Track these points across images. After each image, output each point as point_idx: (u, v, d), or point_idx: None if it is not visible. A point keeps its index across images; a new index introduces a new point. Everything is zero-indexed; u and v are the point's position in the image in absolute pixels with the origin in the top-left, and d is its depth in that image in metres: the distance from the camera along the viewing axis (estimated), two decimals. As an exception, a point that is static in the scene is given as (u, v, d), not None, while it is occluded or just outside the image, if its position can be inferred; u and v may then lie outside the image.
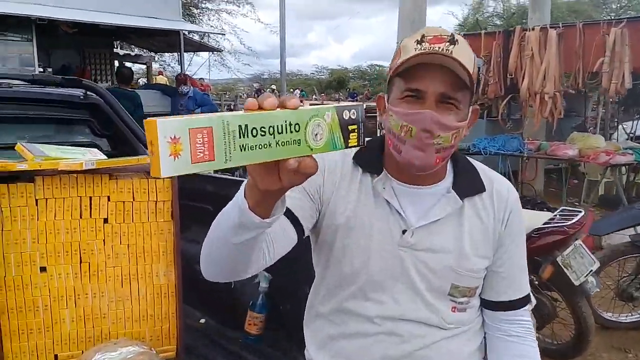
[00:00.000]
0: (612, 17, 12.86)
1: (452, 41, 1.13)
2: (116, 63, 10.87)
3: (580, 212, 3.26)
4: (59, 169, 1.71)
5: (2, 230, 1.73)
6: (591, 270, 3.08)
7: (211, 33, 12.85)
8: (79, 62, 9.66)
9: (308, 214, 1.23)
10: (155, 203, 1.91)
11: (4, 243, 1.73)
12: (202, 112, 7.99)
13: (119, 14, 7.33)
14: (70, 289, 1.83)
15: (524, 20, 14.95)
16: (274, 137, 0.70)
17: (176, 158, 0.63)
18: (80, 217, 1.83)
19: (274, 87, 26.39)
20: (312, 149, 0.74)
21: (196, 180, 2.64)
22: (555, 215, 3.31)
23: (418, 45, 1.14)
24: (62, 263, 1.81)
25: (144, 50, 11.46)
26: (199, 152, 0.65)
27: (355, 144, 0.78)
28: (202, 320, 2.43)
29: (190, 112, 7.82)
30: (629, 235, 3.91)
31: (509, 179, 7.10)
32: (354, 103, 0.78)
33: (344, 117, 0.77)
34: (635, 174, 7.21)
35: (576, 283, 3.04)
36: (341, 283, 1.28)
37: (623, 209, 4.49)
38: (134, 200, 1.88)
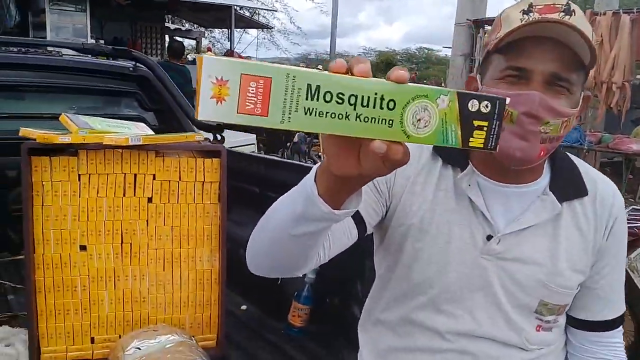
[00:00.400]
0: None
1: (568, 11, 0.95)
2: (167, 37, 10.90)
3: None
4: (104, 144, 1.60)
5: (42, 205, 1.65)
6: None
7: (263, 9, 12.72)
8: (131, 35, 9.71)
9: (372, 209, 1.08)
10: (203, 184, 1.80)
11: (43, 219, 1.64)
12: None
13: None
14: (110, 269, 1.74)
15: (587, 5, 14.24)
16: (355, 109, 0.58)
17: (220, 102, 0.55)
18: (124, 195, 1.73)
19: (320, 67, 26.25)
20: (408, 136, 0.59)
21: (243, 160, 2.53)
22: (625, 214, 3.09)
23: (524, 15, 0.96)
24: (102, 242, 1.72)
25: (195, 25, 11.43)
26: (249, 102, 0.56)
27: (481, 145, 0.61)
28: (244, 307, 2.32)
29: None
30: None
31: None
32: (491, 95, 0.61)
33: (470, 108, 0.61)
34: None
35: None
36: (409, 291, 1.13)
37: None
38: (180, 179, 1.77)
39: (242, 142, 5.62)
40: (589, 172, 1.15)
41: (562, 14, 0.95)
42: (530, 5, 0.98)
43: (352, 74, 0.58)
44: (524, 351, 1.11)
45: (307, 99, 0.57)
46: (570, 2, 0.99)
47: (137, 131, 1.87)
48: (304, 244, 0.84)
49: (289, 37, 17.62)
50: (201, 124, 2.85)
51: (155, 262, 1.78)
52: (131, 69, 3.00)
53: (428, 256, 1.09)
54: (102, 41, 8.42)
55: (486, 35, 4.97)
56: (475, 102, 0.61)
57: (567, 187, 1.10)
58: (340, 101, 0.57)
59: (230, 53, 8.36)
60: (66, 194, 1.67)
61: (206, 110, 0.54)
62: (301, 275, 1.04)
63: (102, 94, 3.01)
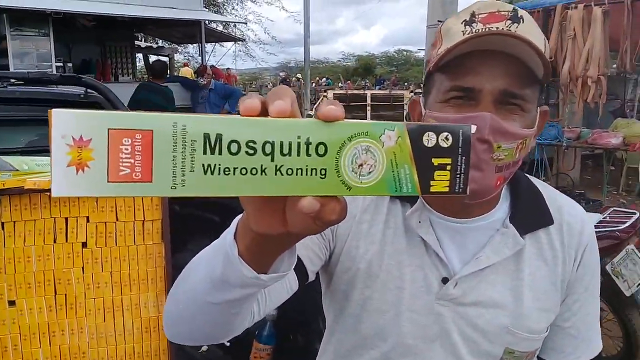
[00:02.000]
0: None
1: (515, 18, 0.81)
2: (138, 56, 10.78)
3: (635, 214, 2.96)
4: (25, 188, 1.45)
5: (-40, 260, 1.49)
6: (657, 281, 2.80)
7: (233, 22, 12.61)
8: (100, 56, 9.56)
9: (315, 254, 0.94)
10: (143, 223, 1.65)
11: (-39, 276, 1.49)
12: (229, 103, 7.80)
13: (138, 5, 7.15)
14: (43, 325, 1.58)
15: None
16: (273, 160, 0.44)
17: (80, 171, 0.40)
18: (55, 242, 1.58)
19: (299, 76, 26.16)
20: (349, 188, 0.46)
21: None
22: (605, 217, 3.00)
23: (467, 27, 0.83)
24: (34, 295, 1.57)
25: (166, 42, 11.34)
26: (124, 166, 0.41)
27: (446, 189, 0.48)
28: (205, 348, 2.18)
29: (215, 106, 7.63)
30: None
31: (545, 169, 6.77)
32: (452, 124, 0.47)
33: (425, 143, 0.47)
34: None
35: (627, 293, 2.83)
36: (358, 346, 0.99)
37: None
38: (117, 220, 1.62)
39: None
40: (553, 197, 1.01)
41: (509, 22, 0.82)
42: (473, 14, 0.84)
43: (266, 114, 0.45)
44: None
45: (205, 153, 0.43)
46: (516, 7, 0.86)
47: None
48: (227, 312, 0.68)
49: (264, 47, 17.54)
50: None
51: (94, 313, 1.63)
52: (82, 95, 2.88)
53: (378, 305, 0.95)
54: (69, 64, 8.29)
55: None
56: (432, 134, 0.47)
57: (530, 216, 0.96)
58: (251, 151, 0.44)
59: (203, 68, 8.21)
60: (-12, 245, 1.52)
61: (61, 182, 0.40)
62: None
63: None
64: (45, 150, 2.64)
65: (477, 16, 0.84)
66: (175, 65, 13.95)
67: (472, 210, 0.94)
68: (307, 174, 0.45)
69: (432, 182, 0.47)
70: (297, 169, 0.44)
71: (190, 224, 1.81)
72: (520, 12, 0.84)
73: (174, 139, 0.42)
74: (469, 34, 0.82)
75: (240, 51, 14.65)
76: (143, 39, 11.96)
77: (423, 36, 7.07)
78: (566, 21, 5.40)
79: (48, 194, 1.55)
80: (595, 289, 1.03)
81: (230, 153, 0.43)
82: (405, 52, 45.46)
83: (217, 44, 10.26)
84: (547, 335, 1.00)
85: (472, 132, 0.47)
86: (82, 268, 1.61)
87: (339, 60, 45.87)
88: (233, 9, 15.17)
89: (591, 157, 8.98)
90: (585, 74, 5.28)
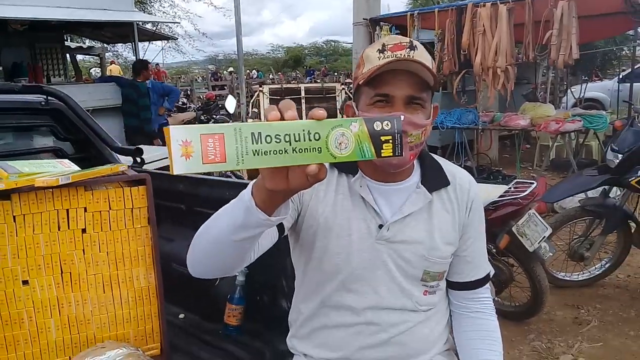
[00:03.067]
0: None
1: (412, 47, 1.25)
2: (68, 57, 10.64)
3: (533, 183, 3.45)
4: (36, 186, 1.76)
5: (-17, 248, 1.78)
6: (544, 237, 3.30)
7: (167, 22, 12.60)
8: (30, 59, 9.41)
9: (289, 215, 1.33)
10: (132, 210, 1.98)
11: (-15, 261, 1.78)
12: (168, 101, 7.96)
13: (70, 8, 7.14)
14: (53, 299, 1.89)
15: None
16: (291, 144, 0.75)
17: (188, 158, 0.71)
18: (59, 230, 1.88)
19: (231, 69, 26.08)
20: (335, 157, 0.77)
21: (168, 180, 2.71)
22: (510, 188, 3.50)
23: (380, 54, 1.25)
24: (43, 275, 1.87)
25: (97, 42, 11.22)
26: (210, 154, 0.72)
27: (390, 154, 0.79)
28: (182, 316, 2.52)
29: (154, 105, 7.76)
30: (579, 200, 4.17)
31: (465, 150, 7.40)
32: (389, 116, 0.80)
33: (375, 127, 0.79)
34: (585, 137, 7.53)
35: (531, 249, 3.27)
36: (323, 279, 1.39)
37: (573, 176, 4.73)
38: (110, 209, 1.95)
39: (159, 157, 5.73)
40: (448, 167, 1.47)
41: (408, 49, 1.25)
42: (384, 45, 1.27)
43: (284, 119, 0.78)
44: (416, 313, 1.40)
45: (253, 143, 0.73)
46: (412, 39, 1.29)
47: (63, 168, 2.02)
48: (242, 247, 1.06)
49: (194, 43, 17.48)
50: (119, 148, 3.00)
51: (95, 286, 1.95)
52: (43, 103, 3.07)
53: (335, 248, 1.35)
54: (0, 68, 8.18)
55: (383, 32, 5.34)
56: (378, 123, 0.79)
57: (434, 180, 1.41)
58: (278, 140, 0.74)
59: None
60: (4, 234, 1.81)
61: (179, 166, 0.71)
62: (234, 276, 1.27)
63: (14, 130, 3.08)
64: (11, 155, 2.86)
65: (386, 46, 1.27)
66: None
67: (395, 176, 1.37)
68: (310, 151, 0.76)
69: (382, 151, 0.79)
70: (304, 148, 0.76)
71: (160, 213, 2.13)
72: (415, 42, 1.28)
73: (235, 137, 0.73)
74: (383, 59, 1.24)
75: (169, 47, 14.66)
76: (69, 39, 11.77)
77: (349, 27, 7.50)
78: (476, 18, 5.97)
79: (52, 189, 1.86)
80: (482, 228, 1.48)
81: (267, 142, 0.74)
82: (333, 43, 45.83)
83: (149, 43, 10.29)
84: (452, 264, 1.45)
85: (402, 118, 0.81)
86: (83, 250, 1.93)
87: (268, 52, 45.62)
88: (161, 5, 15.10)
89: (508, 137, 9.75)
90: (495, 65, 5.88)
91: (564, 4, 5.41)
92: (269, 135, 0.74)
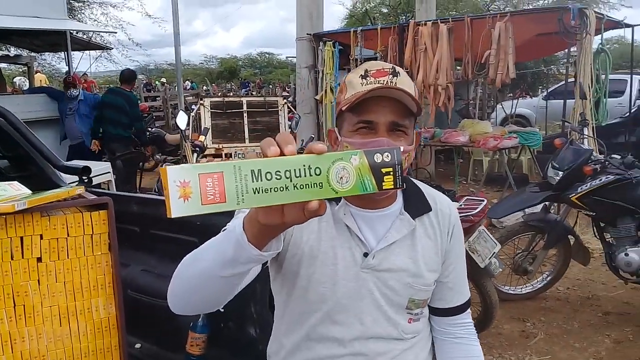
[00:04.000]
0: (496, 11, 13.87)
1: (394, 73, 1.23)
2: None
3: (483, 201, 3.55)
4: (-13, 212, 1.62)
5: None
6: (494, 253, 3.38)
7: (102, 32, 12.16)
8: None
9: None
10: (92, 236, 1.87)
11: None
12: (103, 114, 7.65)
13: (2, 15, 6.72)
14: (5, 334, 1.75)
15: (410, 9, 15.63)
16: (291, 181, 0.73)
17: (186, 200, 0.68)
18: (12, 259, 1.75)
19: (164, 80, 25.53)
20: (337, 192, 0.75)
21: (120, 201, 2.58)
22: (461, 205, 3.58)
23: (363, 79, 1.23)
24: (-6, 309, 1.73)
25: (24, 50, 10.64)
26: (209, 194, 0.69)
27: (392, 186, 0.77)
28: (138, 345, 2.40)
29: (86, 117, 7.45)
30: (522, 216, 4.32)
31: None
32: (389, 147, 0.78)
33: (376, 160, 0.77)
34: (519, 154, 7.86)
35: (482, 265, 3.33)
36: (307, 310, 1.35)
37: (515, 193, 4.91)
38: (68, 236, 1.83)
39: (98, 172, 5.50)
40: (428, 191, 1.46)
41: (390, 76, 1.24)
42: (366, 71, 1.25)
43: (283, 154, 0.75)
44: (402, 341, 1.38)
45: (253, 181, 0.71)
46: (394, 65, 1.28)
47: (14, 192, 1.88)
48: (230, 283, 1.02)
49: (127, 53, 16.95)
50: (63, 167, 2.84)
51: (51, 319, 1.82)
52: (-17, 119, 2.88)
53: (319, 277, 1.31)
54: None
55: (326, 48, 5.37)
56: (379, 155, 0.77)
57: (417, 206, 1.39)
58: (278, 177, 0.72)
59: (71, 79, 7.92)
60: (-50, 266, 1.66)
61: (177, 208, 0.68)
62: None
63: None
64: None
65: (369, 72, 1.25)
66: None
67: (379, 203, 1.35)
68: (311, 187, 0.73)
69: (383, 183, 0.77)
70: (305, 184, 0.73)
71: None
72: (397, 68, 1.27)
73: (235, 175, 0.70)
74: (366, 85, 1.23)
75: (100, 57, 14.12)
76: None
77: (284, 39, 7.59)
78: (418, 36, 6.13)
79: (4, 216, 1.72)
80: (462, 254, 1.49)
81: (267, 179, 0.71)
82: (267, 55, 45.92)
83: (82, 53, 9.87)
84: (434, 291, 1.44)
85: (401, 150, 0.80)
86: (38, 280, 1.79)
87: (201, 63, 44.99)
88: (92, 13, 14.55)
89: (442, 152, 10.06)
90: (435, 82, 6.04)
91: (501, 25, 5.63)
92: (269, 172, 0.72)
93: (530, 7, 17.15)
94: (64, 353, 1.85)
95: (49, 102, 7.74)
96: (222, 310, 1.16)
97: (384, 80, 1.22)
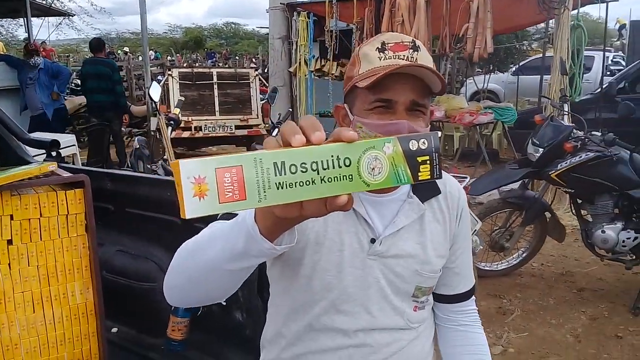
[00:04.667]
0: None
1: (415, 47, 1.14)
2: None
3: (466, 177, 3.52)
4: (-49, 191, 1.47)
5: None
6: (475, 230, 3.37)
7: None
8: None
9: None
10: (67, 217, 1.73)
11: None
12: (58, 84, 7.34)
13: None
14: (-27, 322, 1.62)
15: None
16: (319, 173, 0.64)
17: (202, 198, 0.60)
18: (-21, 242, 1.60)
19: (126, 49, 24.77)
20: (368, 185, 0.67)
21: (94, 177, 2.43)
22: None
23: (380, 53, 1.13)
24: (-39, 295, 1.59)
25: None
26: (228, 191, 0.61)
27: (428, 177, 0.70)
28: (114, 330, 2.28)
29: (46, 87, 7.14)
30: (499, 193, 4.32)
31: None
32: (425, 132, 0.70)
33: (411, 147, 0.69)
34: (493, 130, 7.90)
35: None
36: (311, 299, 1.26)
37: (494, 169, 4.91)
38: (41, 216, 1.69)
39: (63, 145, 5.26)
40: None
41: (411, 50, 1.14)
42: (383, 44, 1.15)
43: (310, 142, 0.66)
44: (408, 330, 1.31)
45: (276, 175, 0.62)
46: (414, 39, 1.18)
47: (-22, 168, 1.73)
48: (237, 276, 0.94)
49: (88, 20, 16.21)
50: (30, 140, 2.66)
51: (23, 306, 1.69)
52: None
53: (325, 265, 1.23)
54: None
55: (300, 18, 5.22)
56: (414, 141, 0.69)
57: (425, 189, 1.31)
58: (304, 170, 0.64)
59: (32, 46, 7.56)
60: None
61: (191, 208, 0.59)
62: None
63: None
64: None
65: (386, 44, 1.15)
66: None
67: (387, 188, 1.26)
68: (340, 180, 0.65)
69: (419, 174, 0.69)
70: (334, 177, 0.65)
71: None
72: (417, 42, 1.17)
73: (255, 169, 0.62)
74: (384, 60, 1.13)
75: (61, 24, 13.52)
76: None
77: (250, 9, 7.42)
78: (395, 8, 6.01)
79: (-30, 195, 1.57)
80: (469, 238, 1.42)
81: (291, 173, 0.63)
82: (234, 25, 45.07)
83: (43, 19, 9.40)
84: (440, 276, 1.37)
85: (438, 136, 0.72)
86: (9, 264, 1.66)
87: (165, 32, 43.82)
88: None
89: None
90: (412, 56, 5.95)
91: (479, -2, 5.56)
92: (293, 165, 0.64)
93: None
94: (37, 341, 1.72)
95: (8, 70, 7.40)
96: (225, 303, 1.06)
97: (403, 55, 1.12)
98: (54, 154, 2.61)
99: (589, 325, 3.57)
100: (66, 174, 1.79)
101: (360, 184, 0.66)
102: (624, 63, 13.92)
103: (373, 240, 1.24)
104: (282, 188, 0.63)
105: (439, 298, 1.42)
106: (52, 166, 1.80)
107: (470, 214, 3.47)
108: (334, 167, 0.65)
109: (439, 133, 0.71)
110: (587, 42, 5.79)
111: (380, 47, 1.15)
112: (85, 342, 1.81)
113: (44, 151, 2.68)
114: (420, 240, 1.28)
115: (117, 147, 7.38)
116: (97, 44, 7.43)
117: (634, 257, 3.80)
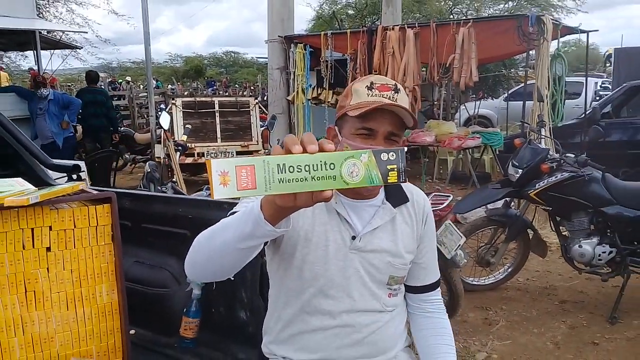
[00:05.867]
0: (459, 16, 14.26)
1: (396, 89, 1.46)
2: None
3: (449, 196, 3.79)
4: (5, 205, 1.76)
5: (-50, 269, 1.75)
6: (459, 245, 3.61)
7: (74, 32, 12.05)
8: None
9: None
10: (96, 228, 2.02)
11: (-47, 282, 1.75)
12: (68, 114, 7.66)
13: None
14: (17, 318, 1.89)
15: (376, 11, 15.92)
16: (310, 173, 0.87)
17: (225, 186, 0.84)
18: (24, 249, 1.89)
19: (128, 78, 25.24)
20: (347, 184, 0.89)
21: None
22: (429, 201, 3.81)
23: (369, 90, 1.45)
24: (7, 294, 1.87)
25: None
26: (243, 182, 0.85)
27: (395, 180, 0.90)
28: (132, 331, 2.54)
29: (56, 117, 7.45)
30: (485, 211, 4.59)
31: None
32: (394, 148, 0.92)
33: (382, 158, 0.89)
34: (482, 153, 8.19)
35: (448, 257, 3.53)
36: (302, 286, 1.55)
37: (479, 189, 5.18)
38: (75, 227, 1.98)
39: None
40: (407, 186, 1.68)
41: (393, 92, 1.45)
42: (372, 83, 1.47)
43: (305, 151, 0.88)
44: (384, 313, 1.60)
45: (278, 173, 0.86)
46: (396, 83, 1.50)
47: (20, 187, 2.02)
48: (245, 254, 1.20)
49: (93, 50, 16.66)
50: (52, 164, 2.96)
51: (59, 304, 1.97)
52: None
53: (313, 258, 1.52)
54: None
55: (297, 50, 5.56)
56: (385, 154, 0.90)
57: (396, 197, 1.62)
58: (299, 170, 0.86)
59: (41, 78, 7.86)
60: (-33, 255, 1.79)
61: (218, 192, 0.84)
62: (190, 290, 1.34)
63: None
64: None
65: (374, 84, 1.46)
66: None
67: (366, 195, 1.57)
68: (326, 179, 0.88)
69: (388, 178, 0.90)
70: (321, 176, 0.87)
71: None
72: (398, 85, 1.48)
73: (264, 168, 0.86)
74: (371, 96, 1.44)
75: (69, 55, 13.96)
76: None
77: (249, 38, 7.81)
78: (386, 40, 6.37)
79: (17, 209, 1.86)
80: (434, 239, 1.71)
81: (290, 172, 0.86)
82: (233, 54, 45.71)
83: (52, 52, 9.77)
84: (410, 270, 1.66)
85: (405, 150, 0.93)
86: (47, 268, 1.94)
87: (165, 62, 44.39)
88: (57, 11, 14.34)
89: (409, 151, 10.36)
90: (403, 84, 6.30)
91: (464, 30, 5.93)
92: (291, 166, 0.87)
93: (492, 11, 17.70)
94: (70, 335, 1.99)
95: (19, 101, 7.69)
96: (233, 278, 1.34)
97: (387, 95, 1.44)
98: (74, 177, 2.91)
99: (568, 333, 3.81)
100: (95, 192, 2.08)
101: (341, 183, 0.89)
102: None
103: (354, 237, 1.54)
104: (282, 182, 0.86)
105: (410, 289, 1.72)
106: (82, 185, 2.10)
107: (455, 230, 3.72)
108: (321, 169, 0.88)
109: (406, 149, 1.01)
110: (579, 68, 6.12)
111: (369, 85, 1.47)
112: (110, 337, 2.08)
113: (64, 174, 2.98)
114: (393, 238, 1.58)
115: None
116: (95, 76, 8.72)
117: (610, 270, 4.05)
